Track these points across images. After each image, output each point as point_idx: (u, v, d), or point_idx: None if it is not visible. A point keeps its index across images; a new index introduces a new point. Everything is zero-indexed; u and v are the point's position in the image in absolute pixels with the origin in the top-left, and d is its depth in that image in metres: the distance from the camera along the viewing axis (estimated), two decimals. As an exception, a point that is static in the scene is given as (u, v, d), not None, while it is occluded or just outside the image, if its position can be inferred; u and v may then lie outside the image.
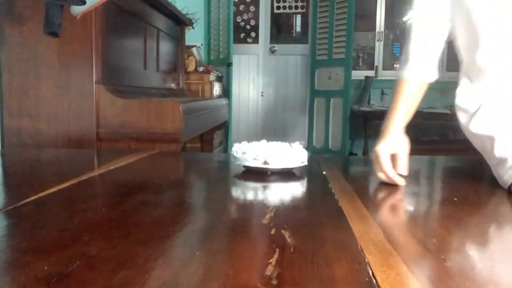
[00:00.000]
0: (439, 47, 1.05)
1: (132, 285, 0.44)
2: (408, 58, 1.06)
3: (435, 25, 1.04)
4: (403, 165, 0.97)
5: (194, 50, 3.59)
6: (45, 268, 0.48)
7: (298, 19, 5.01)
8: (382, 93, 4.34)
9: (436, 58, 1.06)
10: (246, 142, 1.11)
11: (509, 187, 0.88)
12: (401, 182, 0.95)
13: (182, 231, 0.64)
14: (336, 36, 4.06)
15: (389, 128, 1.05)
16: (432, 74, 1.06)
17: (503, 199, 0.86)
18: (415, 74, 1.05)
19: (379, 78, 4.47)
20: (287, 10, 4.85)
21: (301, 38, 4.93)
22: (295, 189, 1.01)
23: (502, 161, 0.90)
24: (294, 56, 4.79)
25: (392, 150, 0.99)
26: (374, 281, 0.46)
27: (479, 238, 0.68)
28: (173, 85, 2.78)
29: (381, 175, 0.98)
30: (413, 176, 1.03)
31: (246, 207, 0.82)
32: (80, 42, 1.71)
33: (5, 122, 1.75)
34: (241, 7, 4.87)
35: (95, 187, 0.98)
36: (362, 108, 4.04)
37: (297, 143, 1.11)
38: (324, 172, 1.11)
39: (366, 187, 1.07)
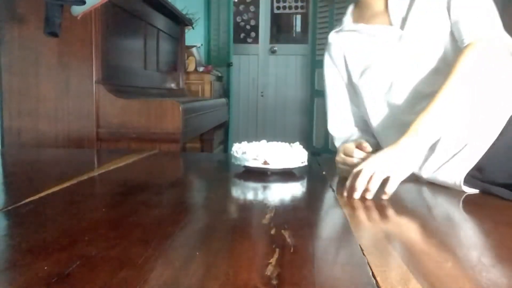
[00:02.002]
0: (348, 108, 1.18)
1: (132, 285, 0.44)
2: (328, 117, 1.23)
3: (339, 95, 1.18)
4: None
5: (194, 50, 3.59)
6: (45, 268, 0.48)
7: (298, 19, 5.00)
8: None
9: (348, 119, 1.19)
10: (246, 142, 1.11)
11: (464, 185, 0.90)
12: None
13: (182, 231, 0.64)
14: (336, 36, 4.05)
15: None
16: (346, 132, 1.18)
17: (502, 199, 0.86)
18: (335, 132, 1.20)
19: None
20: (287, 10, 4.85)
21: (301, 38, 4.92)
22: (295, 189, 1.01)
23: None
24: (294, 56, 4.78)
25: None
26: (374, 281, 0.46)
27: (479, 238, 0.68)
28: (173, 85, 2.78)
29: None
30: (413, 176, 1.03)
31: (246, 207, 0.82)
32: (80, 42, 1.71)
33: (5, 122, 1.75)
34: (241, 7, 4.87)
35: (95, 187, 0.98)
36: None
37: (297, 143, 1.11)
38: (324, 172, 1.11)
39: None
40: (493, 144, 0.90)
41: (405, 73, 1.02)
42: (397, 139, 0.88)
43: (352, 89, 1.15)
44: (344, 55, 1.14)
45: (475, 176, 0.91)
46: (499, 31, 0.94)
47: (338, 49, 1.15)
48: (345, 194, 0.84)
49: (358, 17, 1.13)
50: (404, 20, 1.02)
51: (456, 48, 0.97)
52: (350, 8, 1.17)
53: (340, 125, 1.19)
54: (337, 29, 1.17)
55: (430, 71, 0.99)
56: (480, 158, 0.90)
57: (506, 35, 0.95)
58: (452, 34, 0.98)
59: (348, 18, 1.16)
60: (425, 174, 0.97)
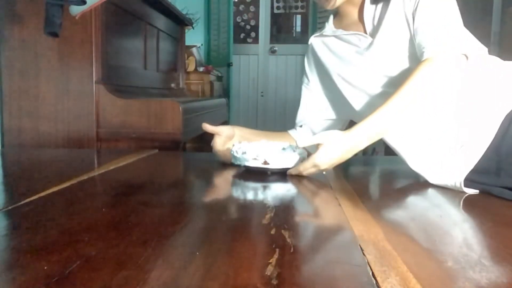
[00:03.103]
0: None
1: (132, 285, 0.44)
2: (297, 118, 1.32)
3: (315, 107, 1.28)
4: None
5: (194, 50, 3.59)
6: (45, 268, 0.48)
7: (298, 19, 5.00)
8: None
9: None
10: (246, 142, 1.11)
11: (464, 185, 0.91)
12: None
13: (182, 231, 0.64)
14: (336, 36, 4.06)
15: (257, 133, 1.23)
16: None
17: (502, 199, 0.87)
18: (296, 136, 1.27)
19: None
20: (287, 10, 4.85)
21: (301, 38, 4.93)
22: (295, 189, 1.01)
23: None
24: (294, 56, 4.79)
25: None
26: (374, 281, 0.46)
27: (479, 238, 0.68)
28: (173, 85, 2.78)
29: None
30: (413, 176, 1.03)
31: (246, 207, 0.82)
32: (80, 42, 1.71)
33: (5, 122, 1.75)
34: (241, 7, 4.87)
35: (95, 187, 0.98)
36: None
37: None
38: (324, 172, 1.11)
39: (366, 187, 1.08)
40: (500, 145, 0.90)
41: (375, 78, 1.08)
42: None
43: (329, 88, 1.23)
44: (321, 57, 1.22)
45: (485, 181, 0.91)
46: (458, 40, 0.96)
47: (317, 52, 1.23)
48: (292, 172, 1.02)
49: (338, 24, 1.21)
50: (376, 28, 1.08)
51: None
52: (331, 16, 1.26)
53: (303, 119, 1.31)
54: (317, 34, 1.25)
55: (398, 77, 1.03)
56: (479, 159, 0.90)
57: (467, 39, 0.98)
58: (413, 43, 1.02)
59: (329, 24, 1.24)
60: (426, 175, 0.98)
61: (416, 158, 1.02)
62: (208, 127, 1.18)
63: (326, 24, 1.25)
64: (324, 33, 1.22)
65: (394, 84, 1.02)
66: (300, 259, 0.53)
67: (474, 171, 0.91)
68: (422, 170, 1.00)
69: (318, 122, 1.29)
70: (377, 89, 1.08)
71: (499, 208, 0.83)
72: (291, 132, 1.31)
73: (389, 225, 0.72)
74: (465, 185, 0.91)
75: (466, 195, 0.90)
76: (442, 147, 0.96)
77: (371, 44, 1.08)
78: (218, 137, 1.16)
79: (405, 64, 1.04)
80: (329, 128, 1.26)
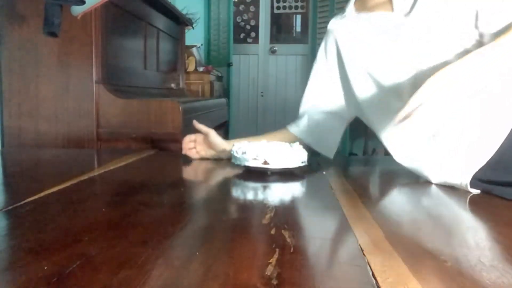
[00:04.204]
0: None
1: (132, 285, 0.44)
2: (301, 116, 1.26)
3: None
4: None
5: (194, 50, 3.59)
6: (45, 268, 0.48)
7: (298, 19, 5.00)
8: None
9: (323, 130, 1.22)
10: (246, 142, 1.11)
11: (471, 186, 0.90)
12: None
13: (182, 231, 0.64)
14: (336, 36, 4.06)
15: (233, 141, 1.19)
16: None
17: (500, 200, 0.86)
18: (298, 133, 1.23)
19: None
20: (287, 10, 4.85)
21: (301, 38, 4.92)
22: (295, 189, 1.01)
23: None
24: (294, 56, 4.78)
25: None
26: (374, 281, 0.46)
27: (479, 238, 0.68)
28: (173, 85, 2.78)
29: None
30: (413, 176, 1.03)
31: (246, 207, 0.82)
32: (80, 42, 1.71)
33: (5, 122, 1.75)
34: (241, 7, 4.87)
35: (95, 187, 0.98)
36: (362, 108, 4.03)
37: (297, 143, 1.11)
38: (324, 172, 1.11)
39: (366, 187, 1.08)
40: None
41: (401, 67, 1.00)
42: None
43: (343, 79, 1.17)
44: (340, 43, 1.14)
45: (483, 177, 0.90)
46: None
47: (336, 37, 1.15)
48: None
49: (360, 7, 1.12)
50: (410, 7, 0.99)
51: (474, 40, 0.93)
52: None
53: (307, 109, 1.25)
54: (338, 17, 1.17)
55: (433, 61, 0.95)
56: (488, 158, 0.88)
57: None
58: (473, 24, 0.93)
59: (350, 7, 1.14)
60: (431, 174, 0.97)
61: (419, 156, 0.99)
62: (199, 126, 1.21)
63: (346, 8, 1.16)
64: (345, 17, 1.13)
65: (416, 83, 0.92)
66: (300, 259, 0.53)
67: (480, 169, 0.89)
68: (424, 168, 0.98)
69: (319, 113, 1.22)
70: (398, 84, 1.00)
71: (500, 208, 0.83)
72: (291, 128, 1.26)
73: (389, 225, 0.72)
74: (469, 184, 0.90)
75: (467, 194, 0.90)
76: (447, 144, 0.93)
77: (402, 24, 0.99)
78: (203, 136, 1.21)
79: (439, 50, 0.95)
80: (326, 122, 1.21)
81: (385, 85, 1.04)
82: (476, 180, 0.90)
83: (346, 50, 1.13)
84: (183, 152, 1.24)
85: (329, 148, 1.23)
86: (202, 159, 1.24)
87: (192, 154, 1.24)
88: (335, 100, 1.20)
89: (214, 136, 1.20)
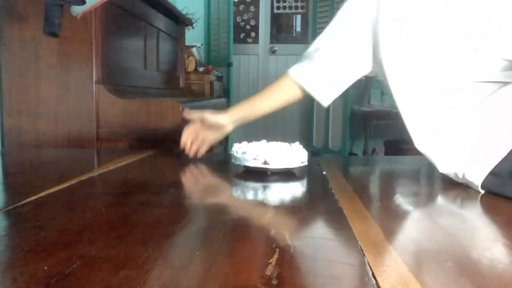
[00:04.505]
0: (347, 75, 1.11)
1: (132, 285, 0.44)
2: (310, 59, 1.11)
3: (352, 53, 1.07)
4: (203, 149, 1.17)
5: (194, 50, 3.59)
6: (45, 268, 0.48)
7: (298, 19, 5.00)
8: (382, 93, 4.34)
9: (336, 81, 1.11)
10: (246, 142, 1.11)
11: (483, 187, 0.89)
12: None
13: (182, 231, 0.64)
14: (336, 36, 4.05)
15: (231, 111, 1.15)
16: (322, 93, 1.11)
17: (502, 199, 0.86)
18: (302, 79, 1.11)
19: (379, 78, 4.46)
20: (287, 10, 4.85)
21: (301, 38, 4.92)
22: (295, 189, 1.01)
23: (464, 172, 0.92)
24: (294, 56, 4.77)
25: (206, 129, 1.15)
26: (374, 281, 0.46)
27: (479, 238, 0.68)
28: (173, 85, 2.78)
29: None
30: (413, 176, 1.03)
31: (246, 207, 0.82)
32: (80, 42, 1.71)
33: (5, 122, 1.75)
34: (241, 7, 4.87)
35: (95, 187, 0.98)
36: (362, 108, 4.04)
37: (297, 143, 1.11)
38: (324, 172, 1.11)
39: (366, 187, 1.08)
40: None
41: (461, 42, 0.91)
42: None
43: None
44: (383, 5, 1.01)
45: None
46: None
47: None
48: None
49: None
50: None
51: None
52: None
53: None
54: None
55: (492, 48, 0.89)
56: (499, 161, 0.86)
57: None
58: None
59: None
60: (445, 170, 0.95)
61: (434, 141, 0.95)
62: (191, 115, 1.16)
63: None
64: None
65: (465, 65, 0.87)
66: (300, 259, 0.53)
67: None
68: (435, 155, 0.95)
69: (328, 60, 1.10)
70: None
71: (501, 208, 0.83)
72: (292, 72, 1.14)
73: (389, 225, 0.72)
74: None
75: (468, 194, 0.90)
76: (464, 137, 0.91)
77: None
78: (199, 124, 1.16)
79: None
80: (334, 71, 1.10)
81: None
82: (491, 176, 0.87)
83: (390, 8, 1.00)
84: (189, 154, 1.19)
85: (327, 96, 1.13)
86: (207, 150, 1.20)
87: (199, 152, 1.19)
88: (353, 53, 1.08)
89: (211, 117, 1.14)
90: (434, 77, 0.96)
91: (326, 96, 1.13)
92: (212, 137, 1.17)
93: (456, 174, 0.93)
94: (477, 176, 0.89)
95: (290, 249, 0.55)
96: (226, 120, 1.14)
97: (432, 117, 0.97)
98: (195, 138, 1.18)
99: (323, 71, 1.10)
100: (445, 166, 0.95)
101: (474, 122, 0.92)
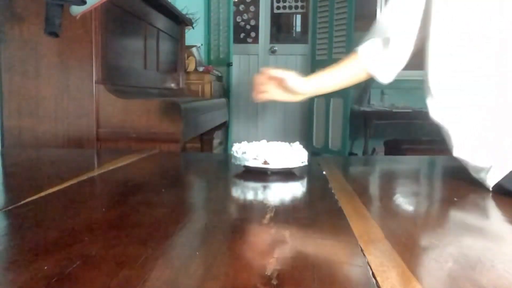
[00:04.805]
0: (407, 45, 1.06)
1: (132, 285, 0.44)
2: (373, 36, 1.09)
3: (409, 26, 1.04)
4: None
5: (194, 50, 3.59)
6: (45, 268, 0.48)
7: (298, 19, 5.00)
8: (382, 93, 4.34)
9: (395, 57, 1.08)
10: (246, 142, 1.11)
11: (497, 185, 0.88)
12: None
13: (182, 231, 0.64)
14: (336, 36, 4.05)
15: (309, 82, 1.10)
16: (382, 71, 1.09)
17: (502, 199, 0.86)
18: (365, 58, 1.09)
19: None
20: (287, 10, 4.85)
21: (301, 38, 4.92)
22: (295, 189, 1.01)
23: (482, 168, 0.91)
24: (294, 56, 4.78)
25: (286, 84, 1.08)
26: (374, 281, 0.46)
27: (479, 238, 0.68)
28: (173, 85, 2.78)
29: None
30: (413, 176, 1.03)
31: (246, 207, 0.82)
32: (80, 42, 1.71)
33: (5, 122, 1.75)
34: (241, 7, 4.86)
35: (95, 187, 0.98)
36: (362, 108, 4.04)
37: (297, 143, 1.11)
38: (324, 172, 1.11)
39: (366, 187, 1.08)
40: None
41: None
42: None
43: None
44: None
45: None
46: None
47: None
48: None
49: None
50: None
51: None
52: None
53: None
54: None
55: None
56: None
57: None
58: None
59: None
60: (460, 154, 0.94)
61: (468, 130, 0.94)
62: (274, 73, 1.08)
63: None
64: None
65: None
66: (300, 259, 0.53)
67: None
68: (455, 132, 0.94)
69: (396, 39, 1.06)
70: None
71: (501, 208, 0.83)
72: (362, 54, 1.10)
73: (389, 225, 0.72)
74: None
75: (468, 193, 0.90)
76: (494, 133, 0.90)
77: None
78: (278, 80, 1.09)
79: None
80: (400, 52, 1.07)
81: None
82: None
83: None
84: (255, 95, 1.12)
85: (391, 76, 1.12)
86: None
87: (263, 97, 1.12)
88: (414, 31, 1.05)
89: (292, 81, 1.08)
90: (474, 68, 0.93)
91: (389, 77, 1.12)
92: (281, 97, 1.12)
93: (469, 161, 0.91)
94: (496, 174, 0.88)
95: (290, 249, 0.55)
96: (304, 90, 1.09)
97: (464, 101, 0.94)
98: (267, 85, 1.12)
99: (390, 57, 1.08)
100: (462, 150, 0.93)
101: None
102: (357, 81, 1.14)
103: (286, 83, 1.08)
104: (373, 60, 1.10)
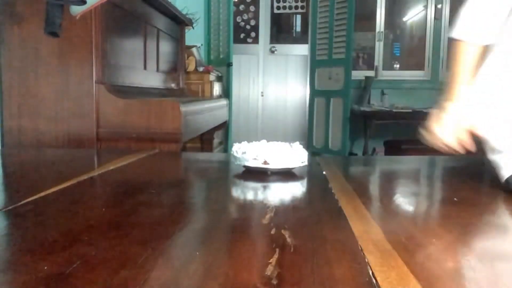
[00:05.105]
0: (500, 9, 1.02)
1: (132, 285, 0.44)
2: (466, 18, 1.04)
3: None
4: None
5: (194, 50, 3.59)
6: (45, 268, 0.48)
7: (298, 19, 5.00)
8: (382, 93, 4.34)
9: (493, 20, 1.03)
10: (246, 142, 1.11)
11: (506, 180, 0.88)
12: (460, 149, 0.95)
13: (182, 231, 0.64)
14: (336, 36, 4.05)
15: (455, 93, 1.02)
16: (485, 36, 1.03)
17: (502, 199, 0.86)
18: (468, 35, 1.03)
19: (379, 78, 4.46)
20: (287, 10, 4.85)
21: (301, 38, 4.92)
22: (295, 189, 1.01)
23: (502, 152, 0.90)
24: (294, 56, 4.78)
25: (459, 117, 0.99)
26: (374, 281, 0.46)
27: (479, 238, 0.68)
28: (173, 85, 2.78)
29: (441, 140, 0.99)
30: (413, 176, 1.03)
31: (246, 207, 0.82)
32: (80, 42, 1.71)
33: (5, 122, 1.75)
34: (241, 7, 4.86)
35: (95, 187, 0.98)
36: (362, 108, 4.04)
37: (297, 143, 1.11)
38: (324, 172, 1.11)
39: (366, 187, 1.08)
40: None
41: None
42: None
43: None
44: None
45: None
46: None
47: None
48: None
49: None
50: None
51: None
52: None
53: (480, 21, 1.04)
54: None
55: None
56: None
57: None
58: None
59: None
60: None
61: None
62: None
63: None
64: None
65: None
66: (300, 259, 0.53)
67: None
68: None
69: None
70: None
71: (499, 208, 0.83)
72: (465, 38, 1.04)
73: (389, 225, 0.72)
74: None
75: (468, 194, 0.90)
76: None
77: None
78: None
79: None
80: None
81: None
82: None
83: None
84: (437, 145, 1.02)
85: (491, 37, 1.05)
86: None
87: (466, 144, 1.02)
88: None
89: (468, 120, 1.00)
90: None
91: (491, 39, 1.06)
92: (464, 127, 1.03)
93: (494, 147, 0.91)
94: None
95: (290, 249, 0.55)
96: (467, 111, 1.02)
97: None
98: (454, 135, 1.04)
99: (483, 21, 1.04)
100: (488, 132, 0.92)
101: None
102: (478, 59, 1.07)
103: (467, 127, 1.00)
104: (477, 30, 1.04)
